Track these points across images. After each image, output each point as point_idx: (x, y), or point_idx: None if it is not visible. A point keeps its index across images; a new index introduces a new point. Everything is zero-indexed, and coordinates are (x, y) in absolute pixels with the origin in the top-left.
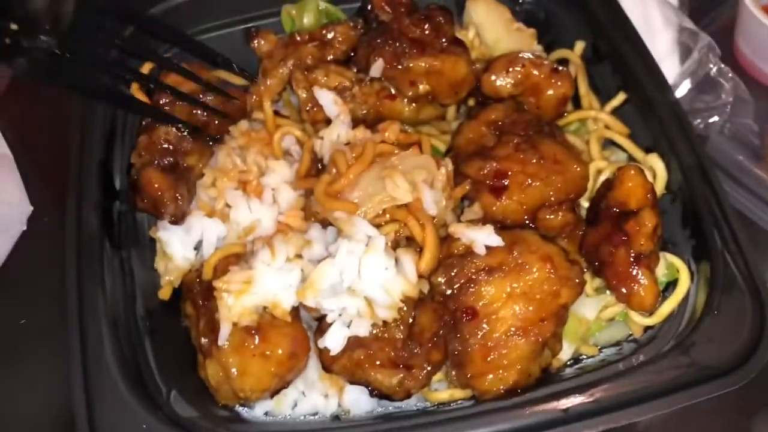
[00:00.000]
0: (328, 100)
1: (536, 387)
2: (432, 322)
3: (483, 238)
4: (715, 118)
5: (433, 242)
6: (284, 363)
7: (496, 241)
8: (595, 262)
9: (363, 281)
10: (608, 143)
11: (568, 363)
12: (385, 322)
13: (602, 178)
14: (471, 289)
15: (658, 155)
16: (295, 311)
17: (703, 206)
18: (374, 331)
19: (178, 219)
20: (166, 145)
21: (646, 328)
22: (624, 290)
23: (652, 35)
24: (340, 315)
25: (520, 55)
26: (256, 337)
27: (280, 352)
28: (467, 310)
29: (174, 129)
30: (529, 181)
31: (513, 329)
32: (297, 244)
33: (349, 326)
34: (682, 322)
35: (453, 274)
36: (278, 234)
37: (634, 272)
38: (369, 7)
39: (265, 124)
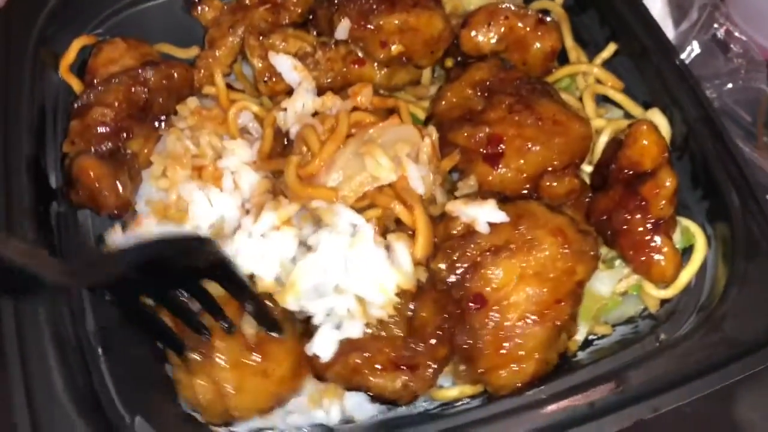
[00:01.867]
0: (287, 66)
1: (554, 376)
2: (434, 315)
3: (485, 214)
4: (729, 85)
5: (425, 225)
6: (286, 383)
7: (500, 216)
8: (606, 231)
9: (351, 278)
10: (600, 100)
11: (579, 345)
12: (380, 320)
13: (603, 138)
14: (477, 274)
15: (659, 110)
16: (293, 322)
17: (715, 163)
18: (369, 331)
19: (121, 212)
20: (102, 129)
21: (662, 302)
22: (643, 260)
23: None
24: (328, 315)
25: (502, 6)
26: (257, 352)
27: (282, 371)
28: (475, 298)
29: (110, 111)
30: (529, 146)
31: (527, 315)
32: (288, 211)
33: (339, 328)
34: (702, 293)
35: (455, 258)
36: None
37: (654, 240)
38: None
39: (218, 99)
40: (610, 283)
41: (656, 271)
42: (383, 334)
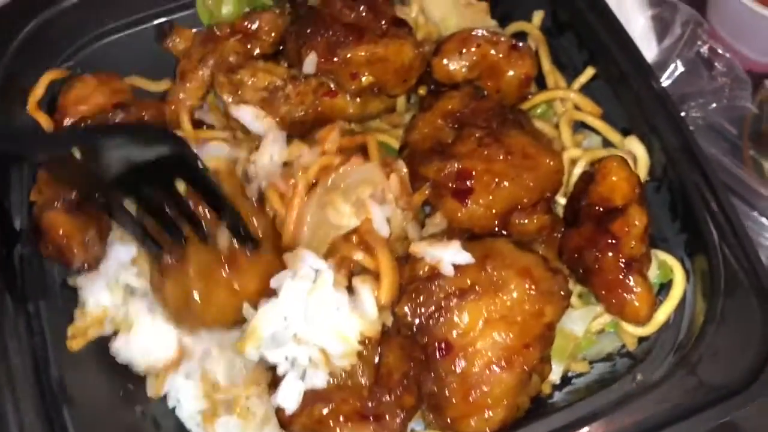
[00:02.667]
0: (249, 116)
1: (528, 421)
2: (400, 361)
3: (450, 256)
4: (714, 105)
5: (389, 269)
6: (254, 299)
7: (465, 258)
8: (579, 269)
9: (311, 327)
10: (579, 126)
11: (556, 384)
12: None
13: (578, 168)
14: (442, 319)
15: (638, 137)
16: (275, 237)
17: (693, 194)
18: (334, 381)
19: (91, 266)
20: None
21: (641, 339)
22: (615, 301)
23: (625, 14)
24: (292, 365)
25: (473, 33)
26: (229, 265)
27: (252, 287)
28: (440, 344)
29: None
30: (497, 181)
31: (495, 361)
32: None
33: (303, 378)
34: (680, 330)
35: (420, 301)
36: None
37: (626, 280)
38: None
39: None
40: (583, 323)
41: (629, 311)
42: (349, 383)
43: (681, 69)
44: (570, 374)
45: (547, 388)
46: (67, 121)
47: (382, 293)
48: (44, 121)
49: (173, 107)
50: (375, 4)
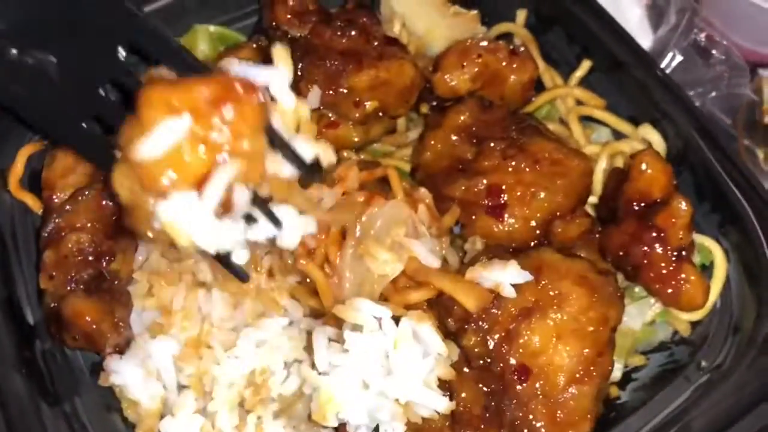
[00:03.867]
0: None
1: (606, 428)
2: (477, 395)
3: (510, 277)
4: (713, 94)
5: (456, 286)
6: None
7: (525, 276)
8: (626, 267)
9: (395, 380)
10: (583, 120)
11: (618, 382)
12: None
13: (601, 165)
14: (514, 344)
15: (650, 124)
16: None
17: (718, 173)
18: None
19: (122, 349)
20: (80, 257)
21: (693, 324)
22: (670, 292)
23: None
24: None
25: (472, 44)
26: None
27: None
28: (517, 370)
29: (85, 235)
30: (532, 192)
31: (575, 376)
32: None
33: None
34: (732, 311)
35: (486, 329)
36: None
37: (679, 271)
38: (273, 24)
39: None
40: (639, 317)
41: (686, 300)
42: (427, 426)
43: (678, 58)
44: (626, 369)
45: (614, 391)
46: (58, 197)
47: (469, 305)
48: (31, 201)
49: None
50: (364, 26)
